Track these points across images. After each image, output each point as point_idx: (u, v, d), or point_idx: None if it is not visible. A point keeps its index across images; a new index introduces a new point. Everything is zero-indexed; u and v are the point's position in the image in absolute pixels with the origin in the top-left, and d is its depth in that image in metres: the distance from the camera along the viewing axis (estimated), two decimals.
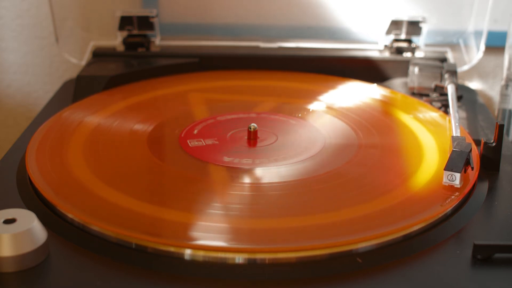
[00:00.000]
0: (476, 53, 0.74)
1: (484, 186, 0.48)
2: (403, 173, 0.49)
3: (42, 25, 0.80)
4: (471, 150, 0.48)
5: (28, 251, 0.37)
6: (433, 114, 0.60)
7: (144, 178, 0.48)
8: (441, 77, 0.66)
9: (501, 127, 0.49)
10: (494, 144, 0.50)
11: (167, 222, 0.42)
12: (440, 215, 0.44)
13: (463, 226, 0.43)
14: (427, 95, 0.66)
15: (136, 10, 0.75)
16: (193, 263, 0.39)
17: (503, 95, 0.66)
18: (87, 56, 0.76)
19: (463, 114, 0.63)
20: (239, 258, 0.39)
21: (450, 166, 0.46)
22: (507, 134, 0.67)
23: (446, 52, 0.76)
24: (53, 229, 0.42)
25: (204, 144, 0.52)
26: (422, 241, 0.41)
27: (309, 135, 0.56)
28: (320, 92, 0.66)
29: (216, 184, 0.47)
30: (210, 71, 0.72)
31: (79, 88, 0.65)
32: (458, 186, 0.46)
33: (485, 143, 0.51)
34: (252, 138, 0.54)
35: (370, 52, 0.75)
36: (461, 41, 0.77)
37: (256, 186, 0.47)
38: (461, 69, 0.75)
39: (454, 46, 0.77)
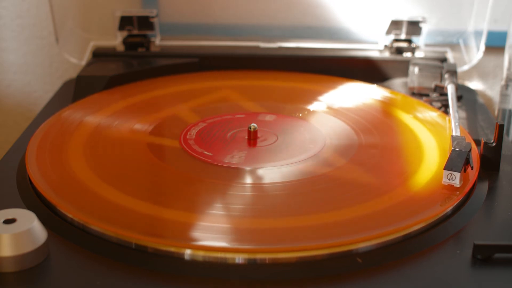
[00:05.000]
0: (476, 53, 0.74)
1: (484, 186, 0.48)
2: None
3: (42, 25, 0.80)
4: (470, 149, 0.48)
5: (28, 251, 0.37)
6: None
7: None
8: (441, 77, 0.66)
9: (501, 127, 0.49)
10: (494, 144, 0.50)
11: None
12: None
13: (463, 226, 0.43)
14: (427, 95, 0.66)
15: (136, 10, 0.75)
16: (193, 263, 0.39)
17: (503, 95, 0.66)
18: (87, 56, 0.76)
19: (463, 114, 0.63)
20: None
21: (449, 165, 0.46)
22: (507, 134, 0.67)
23: (446, 52, 0.76)
24: (53, 229, 0.42)
25: (241, 159, 0.51)
26: (422, 241, 0.41)
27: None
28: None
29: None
30: (210, 71, 0.72)
31: (79, 88, 0.65)
32: (458, 186, 0.46)
33: (485, 143, 0.51)
34: (252, 138, 0.54)
35: (370, 52, 0.75)
36: (461, 41, 0.77)
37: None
38: (461, 69, 0.75)
39: (454, 46, 0.77)
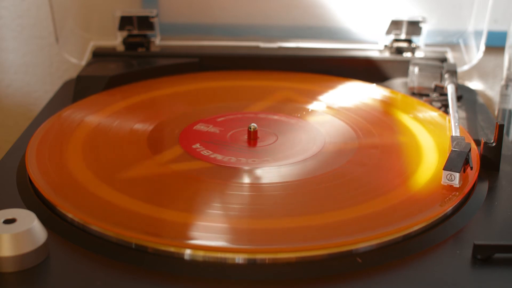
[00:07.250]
0: (476, 53, 0.74)
1: (484, 186, 0.48)
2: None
3: (42, 25, 0.80)
4: (470, 149, 0.48)
5: (28, 251, 0.38)
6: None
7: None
8: (441, 77, 0.66)
9: (501, 127, 0.49)
10: (494, 144, 0.50)
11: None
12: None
13: (463, 226, 0.43)
14: (427, 95, 0.66)
15: (136, 10, 0.75)
16: (193, 263, 0.39)
17: (503, 95, 0.66)
18: (87, 56, 0.76)
19: (463, 114, 0.63)
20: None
21: (449, 165, 0.46)
22: (507, 134, 0.67)
23: (446, 52, 0.76)
24: (53, 229, 0.42)
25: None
26: (422, 241, 0.41)
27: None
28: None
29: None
30: (210, 71, 0.72)
31: (79, 88, 0.65)
32: (457, 186, 0.46)
33: (485, 143, 0.51)
34: (252, 138, 0.54)
35: (370, 52, 0.75)
36: (461, 41, 0.77)
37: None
38: (461, 69, 0.75)
39: (454, 46, 0.77)
